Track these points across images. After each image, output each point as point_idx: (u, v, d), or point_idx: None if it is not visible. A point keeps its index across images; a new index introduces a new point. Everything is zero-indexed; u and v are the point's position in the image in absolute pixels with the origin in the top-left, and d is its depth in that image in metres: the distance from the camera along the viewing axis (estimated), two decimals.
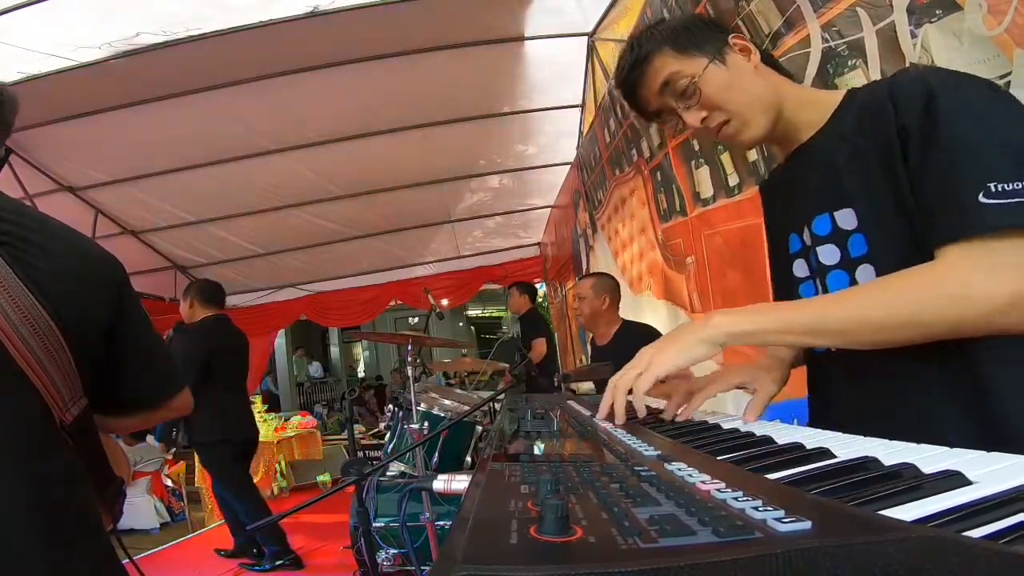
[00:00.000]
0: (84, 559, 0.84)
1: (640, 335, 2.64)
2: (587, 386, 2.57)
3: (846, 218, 0.82)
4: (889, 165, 0.75)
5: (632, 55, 0.93)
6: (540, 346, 4.55)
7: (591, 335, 3.05)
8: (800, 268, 0.93)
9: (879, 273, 0.78)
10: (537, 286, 6.69)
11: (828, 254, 0.85)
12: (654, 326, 2.86)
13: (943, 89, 0.71)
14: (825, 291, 0.87)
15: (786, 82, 0.92)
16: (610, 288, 2.74)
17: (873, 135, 0.77)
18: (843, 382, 0.87)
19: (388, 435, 3.00)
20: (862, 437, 0.59)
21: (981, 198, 0.64)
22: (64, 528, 0.80)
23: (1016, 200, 0.63)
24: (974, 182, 0.65)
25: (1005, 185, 0.63)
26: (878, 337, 0.71)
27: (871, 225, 0.79)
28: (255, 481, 5.15)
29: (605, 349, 2.68)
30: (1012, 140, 0.66)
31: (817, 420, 0.96)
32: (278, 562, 3.49)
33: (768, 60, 0.93)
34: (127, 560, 0.96)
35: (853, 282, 0.82)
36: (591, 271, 4.12)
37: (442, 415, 2.61)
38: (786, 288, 0.99)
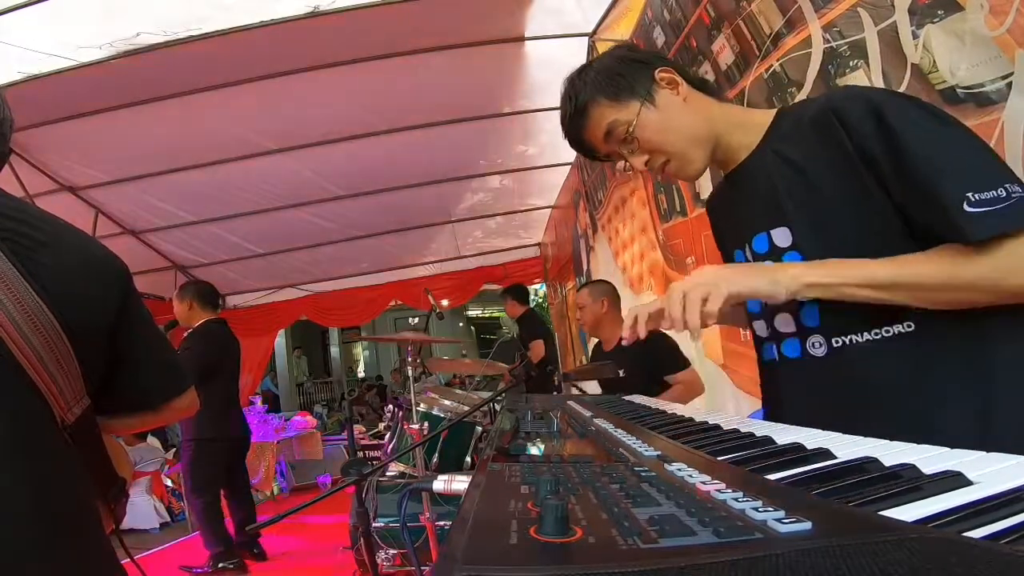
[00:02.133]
0: (85, 559, 0.83)
1: (649, 338, 2.64)
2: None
3: (781, 236, 0.85)
4: (837, 180, 0.78)
5: (570, 105, 0.95)
6: (538, 348, 4.58)
7: (594, 340, 3.05)
8: None
9: None
10: (534, 286, 6.69)
11: None
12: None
13: (889, 106, 0.75)
14: (766, 305, 0.90)
15: (716, 105, 0.94)
16: (607, 292, 2.77)
17: (816, 151, 0.80)
18: (805, 391, 0.88)
19: (388, 435, 3.00)
20: (862, 438, 0.59)
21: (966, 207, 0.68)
22: (65, 528, 0.80)
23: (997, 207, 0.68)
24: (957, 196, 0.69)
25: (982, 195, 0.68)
26: (936, 296, 0.73)
27: (805, 241, 0.82)
28: (254, 482, 5.18)
29: (612, 354, 2.68)
30: (966, 153, 0.72)
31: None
32: (220, 564, 3.48)
33: (699, 85, 0.94)
34: (128, 560, 0.96)
35: None
36: (598, 275, 4.12)
37: (442, 415, 2.61)
38: None
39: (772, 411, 0.97)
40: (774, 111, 0.90)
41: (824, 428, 0.64)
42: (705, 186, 2.57)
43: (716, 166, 0.97)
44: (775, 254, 0.86)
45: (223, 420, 3.48)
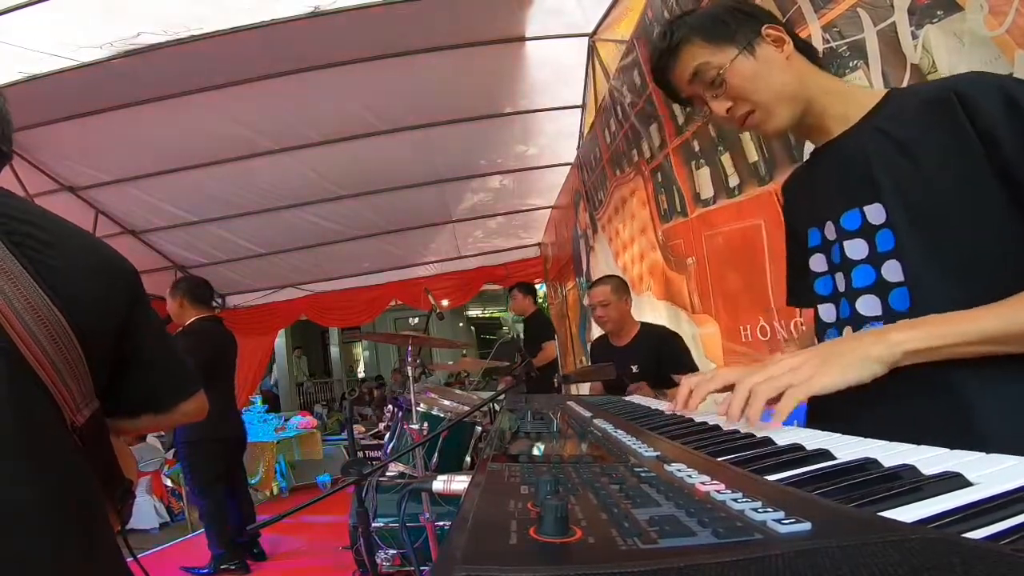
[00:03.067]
0: (92, 560, 0.83)
1: (662, 337, 2.67)
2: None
3: (875, 213, 0.82)
4: (949, 161, 0.75)
5: (663, 43, 0.94)
6: (551, 349, 4.42)
7: (594, 336, 3.06)
8: (818, 263, 0.93)
9: (905, 269, 0.79)
10: (537, 287, 6.70)
11: (855, 249, 0.85)
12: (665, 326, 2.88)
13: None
14: (848, 286, 0.86)
15: (819, 73, 0.92)
16: (628, 289, 2.77)
17: (928, 132, 0.77)
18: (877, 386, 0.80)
19: (388, 435, 3.00)
20: (861, 438, 0.59)
21: None
22: (74, 529, 0.80)
23: None
24: None
25: None
26: None
27: (900, 220, 0.79)
28: (254, 482, 5.18)
29: (626, 349, 2.69)
30: None
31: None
32: (223, 566, 3.46)
33: (805, 50, 0.92)
34: (131, 559, 0.96)
35: (879, 277, 0.82)
36: (598, 275, 4.10)
37: (442, 415, 2.61)
38: (802, 284, 0.99)
39: (824, 408, 0.90)
40: (882, 91, 0.88)
41: (894, 433, 0.58)
42: (705, 185, 2.57)
43: (802, 133, 0.95)
44: (867, 231, 0.83)
45: (219, 421, 3.37)
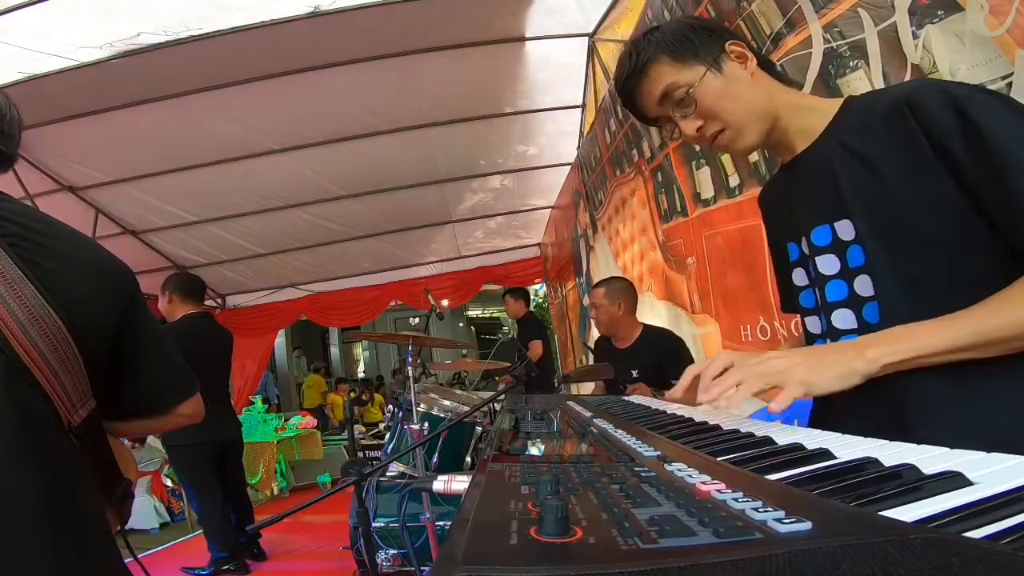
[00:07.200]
0: (90, 559, 0.84)
1: (663, 340, 2.66)
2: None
3: (845, 229, 0.82)
4: (907, 174, 0.75)
5: (630, 63, 0.93)
6: (536, 348, 4.67)
7: (591, 337, 3.06)
8: (800, 277, 0.94)
9: (876, 283, 0.80)
10: (534, 287, 6.73)
11: (827, 264, 0.86)
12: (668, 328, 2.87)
13: (972, 100, 0.71)
14: (824, 300, 0.87)
15: (782, 88, 0.93)
16: (624, 292, 2.73)
17: (885, 145, 0.78)
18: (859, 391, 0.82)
19: (388, 435, 3.00)
20: (862, 438, 0.59)
21: None
22: (70, 529, 0.80)
23: None
24: None
25: None
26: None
27: (868, 236, 0.80)
28: (255, 482, 5.17)
29: (627, 352, 2.68)
30: None
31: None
32: (225, 567, 3.42)
33: (765, 65, 0.93)
34: (131, 559, 0.96)
35: (852, 292, 0.83)
36: (598, 275, 4.14)
37: (442, 415, 2.61)
38: (788, 296, 1.00)
39: (822, 411, 0.93)
40: (841, 99, 0.88)
41: (878, 432, 0.60)
42: (705, 185, 2.57)
43: (768, 149, 0.95)
44: (838, 247, 0.83)
45: (204, 423, 3.27)
